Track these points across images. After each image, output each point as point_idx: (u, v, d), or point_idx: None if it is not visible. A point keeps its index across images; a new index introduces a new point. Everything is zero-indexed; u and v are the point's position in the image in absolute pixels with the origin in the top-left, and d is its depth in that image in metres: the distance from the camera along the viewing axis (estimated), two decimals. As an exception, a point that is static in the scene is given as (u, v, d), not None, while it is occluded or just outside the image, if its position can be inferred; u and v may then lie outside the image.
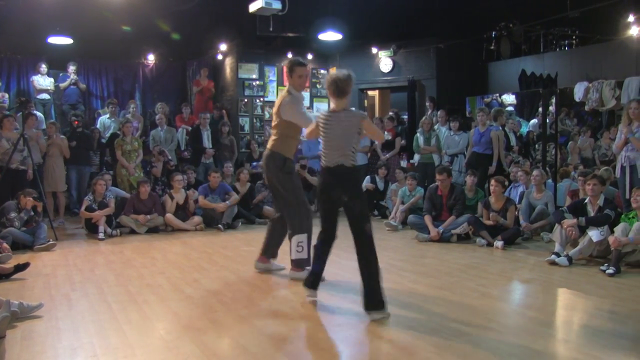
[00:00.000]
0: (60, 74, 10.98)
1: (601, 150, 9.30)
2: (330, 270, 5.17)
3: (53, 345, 3.35)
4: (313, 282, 4.19)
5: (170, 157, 9.24)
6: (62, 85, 10.84)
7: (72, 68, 10.84)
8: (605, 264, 5.17)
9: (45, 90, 10.56)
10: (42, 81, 10.51)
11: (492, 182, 6.89)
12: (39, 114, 9.57)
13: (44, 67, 10.50)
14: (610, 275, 4.96)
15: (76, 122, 8.99)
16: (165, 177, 8.85)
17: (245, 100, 11.86)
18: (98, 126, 10.15)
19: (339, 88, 3.94)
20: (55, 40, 10.12)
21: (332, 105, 4.09)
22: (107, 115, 10.34)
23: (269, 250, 5.19)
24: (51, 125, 8.65)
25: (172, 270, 5.38)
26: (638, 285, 4.69)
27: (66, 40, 10.13)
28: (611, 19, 10.08)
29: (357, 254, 3.90)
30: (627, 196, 5.85)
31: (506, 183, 7.15)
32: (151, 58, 12.63)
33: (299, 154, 10.09)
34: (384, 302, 3.78)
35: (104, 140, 9.83)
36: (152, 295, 4.45)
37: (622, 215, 5.54)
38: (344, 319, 3.87)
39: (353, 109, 4.17)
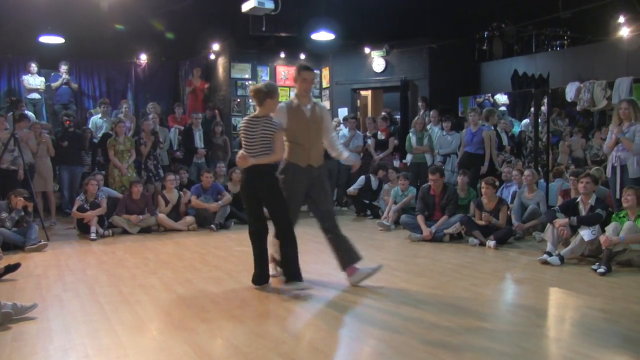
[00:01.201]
0: (52, 74, 10.92)
1: (592, 150, 9.35)
2: (323, 270, 5.19)
3: (44, 346, 3.33)
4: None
5: (161, 139, 9.24)
6: (54, 84, 10.78)
7: (63, 67, 10.79)
8: (597, 263, 5.19)
9: (36, 90, 10.50)
10: (33, 80, 10.46)
11: (482, 184, 6.91)
12: (30, 113, 9.51)
13: (34, 67, 10.44)
14: (602, 274, 4.98)
15: (67, 122, 8.95)
16: (156, 161, 8.99)
17: (238, 100, 11.84)
18: (90, 126, 10.10)
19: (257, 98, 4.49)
20: (47, 39, 10.06)
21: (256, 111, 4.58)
22: (99, 115, 10.29)
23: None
24: (35, 125, 8.59)
25: (165, 270, 5.36)
26: (629, 284, 4.72)
27: (58, 40, 10.08)
28: (602, 20, 10.15)
29: (276, 236, 4.53)
30: (618, 196, 5.88)
31: (497, 183, 7.17)
32: (143, 58, 12.60)
33: None
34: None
35: (95, 140, 9.78)
36: (144, 295, 4.43)
37: (613, 215, 5.57)
38: (337, 319, 3.87)
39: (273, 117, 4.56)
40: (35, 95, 10.51)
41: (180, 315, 3.90)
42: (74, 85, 11.11)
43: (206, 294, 4.48)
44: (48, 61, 10.84)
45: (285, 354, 3.17)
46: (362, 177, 9.14)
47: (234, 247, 6.67)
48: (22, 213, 6.66)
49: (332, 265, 5.14)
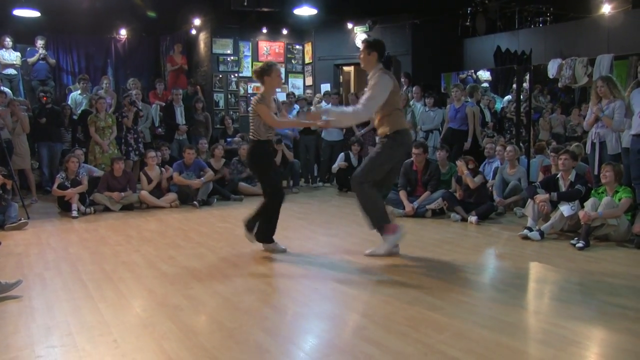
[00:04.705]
0: (28, 49, 10.66)
1: (572, 127, 9.44)
2: (306, 246, 5.22)
3: (27, 324, 3.31)
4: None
5: (140, 107, 9.16)
6: (31, 60, 10.53)
7: (40, 42, 10.52)
8: (575, 238, 5.29)
9: (11, 65, 10.24)
10: (8, 56, 10.19)
11: (457, 163, 6.90)
12: (7, 90, 9.30)
13: (8, 41, 10.16)
14: (580, 249, 5.08)
15: (45, 98, 8.79)
16: (136, 135, 8.98)
17: (220, 76, 11.72)
18: (69, 102, 9.93)
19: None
20: (21, 12, 9.76)
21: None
22: (79, 92, 10.12)
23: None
24: (13, 102, 8.41)
25: (147, 247, 5.35)
26: (605, 258, 4.83)
27: (33, 13, 9.79)
28: (584, -3, 10.17)
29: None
30: (597, 172, 5.96)
31: (470, 166, 7.04)
32: (123, 33, 12.36)
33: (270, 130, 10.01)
34: None
35: (75, 117, 9.63)
36: (127, 273, 4.42)
37: (592, 191, 5.66)
38: (320, 294, 3.90)
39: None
40: (11, 71, 10.25)
41: (163, 292, 3.90)
42: (52, 61, 10.87)
43: (189, 270, 4.48)
44: (24, 36, 10.55)
45: (268, 329, 3.20)
46: (342, 154, 9.20)
47: (217, 223, 6.66)
48: (1, 191, 6.56)
49: (315, 241, 5.18)
